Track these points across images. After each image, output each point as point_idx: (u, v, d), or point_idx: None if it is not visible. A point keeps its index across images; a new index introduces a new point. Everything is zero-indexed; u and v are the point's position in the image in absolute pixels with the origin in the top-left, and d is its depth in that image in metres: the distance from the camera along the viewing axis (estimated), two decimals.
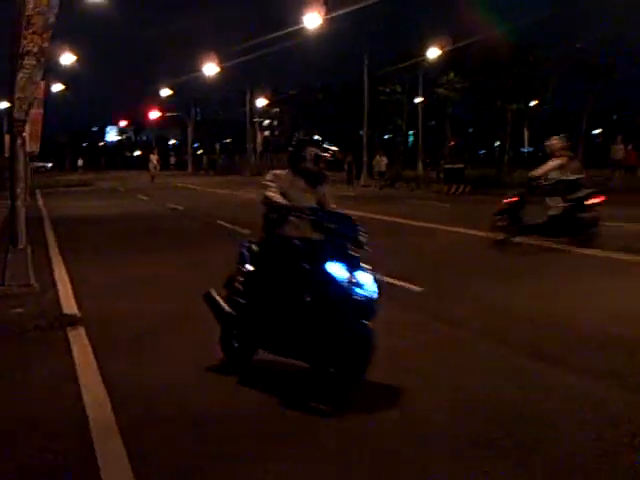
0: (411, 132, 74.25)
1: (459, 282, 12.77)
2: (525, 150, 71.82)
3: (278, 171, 7.89)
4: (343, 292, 6.86)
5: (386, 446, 5.85)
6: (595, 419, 6.28)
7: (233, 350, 7.89)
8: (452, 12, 58.85)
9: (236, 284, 7.84)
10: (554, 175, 16.45)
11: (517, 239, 16.69)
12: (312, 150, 7.77)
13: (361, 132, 55.21)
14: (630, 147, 38.87)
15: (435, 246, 17.97)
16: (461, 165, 41.12)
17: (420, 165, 56.83)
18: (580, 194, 16.12)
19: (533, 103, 55.84)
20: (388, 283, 11.89)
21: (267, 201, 7.55)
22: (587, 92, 50.13)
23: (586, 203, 16.01)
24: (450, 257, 16.06)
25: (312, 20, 46.14)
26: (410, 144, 76.95)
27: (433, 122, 73.90)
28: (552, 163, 16.57)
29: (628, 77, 54.95)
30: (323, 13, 41.24)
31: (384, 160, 47.16)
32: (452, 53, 50.10)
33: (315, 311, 7.03)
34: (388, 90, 63.95)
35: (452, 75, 54.79)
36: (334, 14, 43.73)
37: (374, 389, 7.13)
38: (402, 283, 12.18)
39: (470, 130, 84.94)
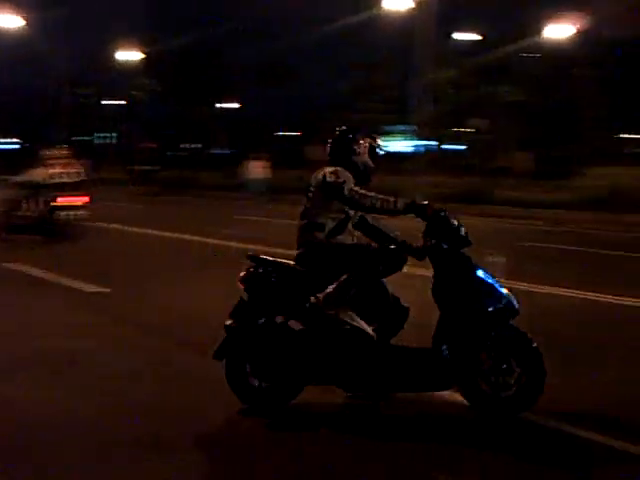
0: (107, 134, 73.49)
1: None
2: (219, 152, 73.11)
3: (339, 167, 6.39)
4: (506, 300, 6.18)
5: None
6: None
7: (257, 390, 6.39)
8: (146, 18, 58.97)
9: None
10: (38, 179, 17.76)
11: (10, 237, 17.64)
12: (367, 142, 6.63)
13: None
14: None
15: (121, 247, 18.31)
16: (154, 167, 41.63)
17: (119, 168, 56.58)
18: (47, 197, 17.45)
19: (229, 106, 57.09)
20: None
21: (364, 199, 6.16)
22: (276, 95, 51.80)
23: (54, 204, 17.42)
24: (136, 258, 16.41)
25: (10, 20, 44.86)
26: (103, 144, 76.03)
27: (131, 125, 73.60)
28: (39, 170, 17.85)
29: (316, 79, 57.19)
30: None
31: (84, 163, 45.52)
32: (147, 57, 50.31)
33: (469, 323, 6.10)
34: (84, 93, 63.23)
35: (144, 78, 54.95)
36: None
37: None
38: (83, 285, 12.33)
39: (166, 132, 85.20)
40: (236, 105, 57.53)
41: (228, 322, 6.40)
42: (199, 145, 65.29)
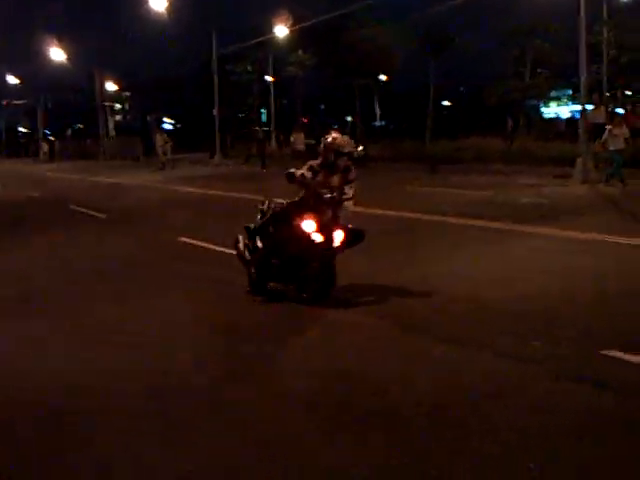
0: (263, 110, 74.58)
1: None
2: (377, 124, 73.18)
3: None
4: None
5: None
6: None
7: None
8: None
9: None
10: None
11: None
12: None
13: (213, 112, 55.06)
14: None
15: None
16: (312, 142, 41.89)
17: (274, 143, 57.33)
18: None
19: (382, 78, 56.93)
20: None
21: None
22: (431, 64, 50.99)
23: None
24: None
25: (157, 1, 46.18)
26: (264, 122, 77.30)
27: (285, 101, 74.49)
28: None
29: (472, 50, 56.28)
30: None
31: (302, 136, 44.73)
32: (300, 31, 50.64)
33: None
34: (239, 70, 64.22)
35: (301, 53, 55.30)
36: None
37: None
38: None
39: (322, 107, 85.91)
40: (384, 77, 57.07)
41: None
42: (349, 118, 65.45)
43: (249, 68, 64.79)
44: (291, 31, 50.04)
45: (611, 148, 24.29)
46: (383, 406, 6.01)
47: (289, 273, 9.88)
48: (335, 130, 10.07)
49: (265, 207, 10.45)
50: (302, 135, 43.58)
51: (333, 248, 9.59)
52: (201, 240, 14.65)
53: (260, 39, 51.71)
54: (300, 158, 40.90)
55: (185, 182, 32.00)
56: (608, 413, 5.72)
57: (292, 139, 44.27)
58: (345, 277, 9.89)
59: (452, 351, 7.41)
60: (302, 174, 9.64)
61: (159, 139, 47.47)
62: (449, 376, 6.67)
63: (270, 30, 51.17)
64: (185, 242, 14.82)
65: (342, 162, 9.69)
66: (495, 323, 8.31)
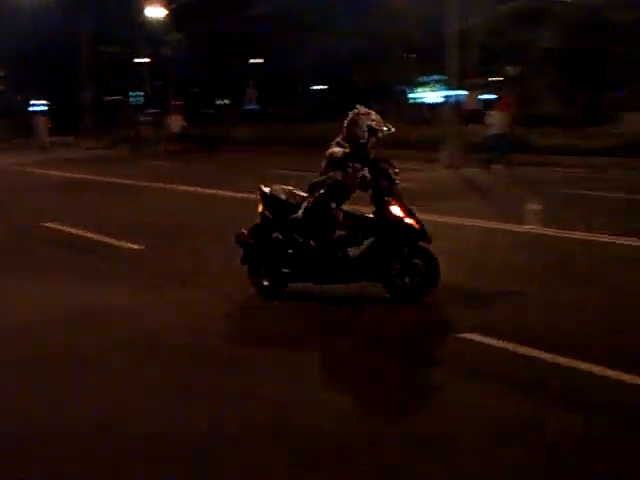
0: (139, 93, 73.29)
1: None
2: (250, 107, 72.76)
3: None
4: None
5: None
6: None
7: None
8: None
9: None
10: None
11: None
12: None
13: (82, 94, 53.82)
14: None
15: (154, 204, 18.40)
16: (184, 124, 41.47)
17: (149, 126, 56.31)
18: None
19: (257, 61, 56.62)
20: (108, 244, 12.38)
21: None
22: (302, 48, 50.93)
23: None
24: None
25: None
26: (139, 104, 75.87)
27: (160, 83, 73.33)
28: None
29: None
30: None
31: (179, 119, 42.44)
32: (176, 11, 49.84)
33: None
34: (113, 50, 62.92)
35: (175, 34, 54.50)
36: None
37: None
38: (123, 243, 12.45)
39: (194, 90, 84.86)
40: (260, 60, 56.88)
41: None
42: (226, 102, 64.87)
43: (123, 49, 63.53)
44: (168, 11, 49.20)
45: (492, 132, 24.36)
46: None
47: (364, 269, 8.32)
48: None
49: (285, 196, 8.93)
50: (180, 117, 42.70)
51: (429, 235, 8.29)
52: (65, 225, 14.40)
53: (135, 19, 50.83)
54: (173, 140, 40.79)
55: (54, 165, 31.19)
56: (459, 397, 5.84)
57: (169, 121, 43.46)
58: None
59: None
60: (344, 153, 8.43)
61: (41, 121, 46.00)
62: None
63: (146, 10, 50.18)
64: (49, 227, 14.46)
65: (375, 140, 8.53)
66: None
